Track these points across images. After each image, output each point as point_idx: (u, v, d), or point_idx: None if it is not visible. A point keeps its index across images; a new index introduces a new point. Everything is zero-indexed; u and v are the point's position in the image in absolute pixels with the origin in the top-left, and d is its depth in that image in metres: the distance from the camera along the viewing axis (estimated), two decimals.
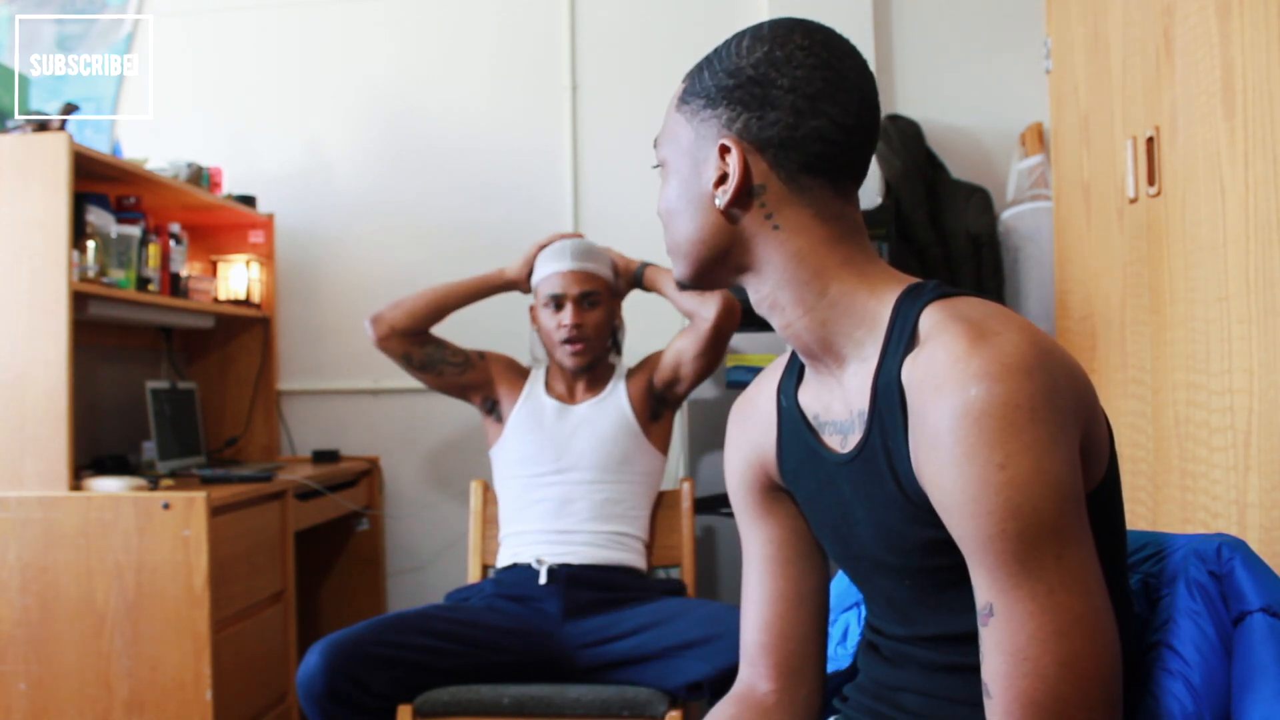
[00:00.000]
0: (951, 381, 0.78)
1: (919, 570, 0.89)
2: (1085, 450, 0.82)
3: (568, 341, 2.16)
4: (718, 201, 0.91)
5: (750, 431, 1.06)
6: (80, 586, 2.11)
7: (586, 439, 2.19)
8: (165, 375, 2.96)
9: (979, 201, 2.75)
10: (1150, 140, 1.57)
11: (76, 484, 2.17)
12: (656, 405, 2.25)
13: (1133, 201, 1.66)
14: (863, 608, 1.14)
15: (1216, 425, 1.35)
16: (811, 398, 0.98)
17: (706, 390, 2.52)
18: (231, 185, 3.01)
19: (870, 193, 2.73)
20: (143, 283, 2.50)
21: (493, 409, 2.30)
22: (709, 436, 2.59)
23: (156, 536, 2.10)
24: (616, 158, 3.01)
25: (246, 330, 3.04)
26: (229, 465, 2.79)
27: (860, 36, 2.79)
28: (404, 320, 2.25)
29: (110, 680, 2.10)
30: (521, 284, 2.31)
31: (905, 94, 2.93)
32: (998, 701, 0.78)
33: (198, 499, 2.09)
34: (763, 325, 2.05)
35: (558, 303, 2.18)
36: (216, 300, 2.89)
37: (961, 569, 0.82)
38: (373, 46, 3.15)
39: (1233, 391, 1.30)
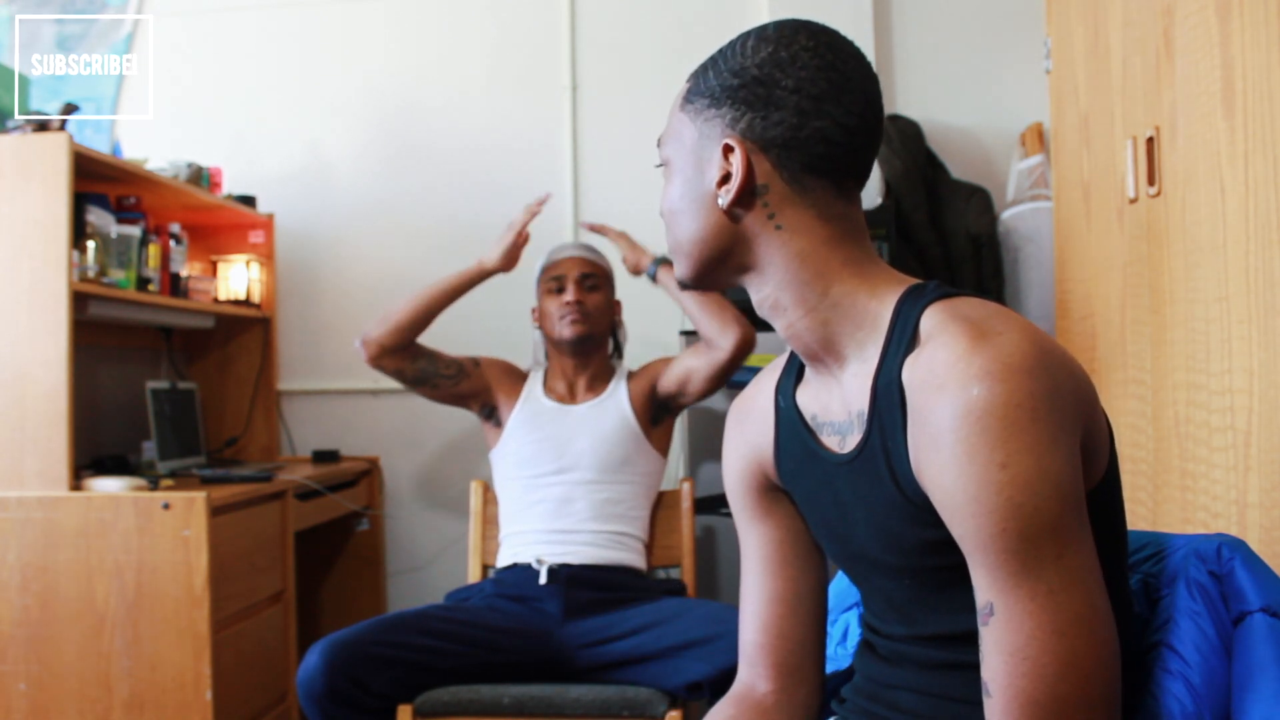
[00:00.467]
0: (953, 381, 0.78)
1: (917, 570, 0.89)
2: (1086, 450, 0.82)
3: (566, 315, 2.19)
4: (720, 201, 0.91)
5: (748, 431, 1.06)
6: (80, 586, 2.11)
7: (587, 439, 2.19)
8: (165, 375, 2.96)
9: (979, 201, 2.75)
10: (1150, 140, 1.57)
11: (76, 484, 2.17)
12: (658, 411, 2.26)
13: (1133, 201, 1.66)
14: (862, 608, 1.14)
15: (1216, 425, 1.35)
16: (810, 398, 0.98)
17: None
18: (231, 185, 3.01)
19: (870, 193, 2.73)
20: (143, 283, 2.50)
21: (491, 414, 2.30)
22: (709, 437, 2.59)
23: (156, 536, 2.10)
24: (616, 158, 3.01)
25: (246, 330, 3.04)
26: (229, 465, 2.79)
27: (860, 36, 2.78)
28: (391, 336, 2.23)
29: (110, 680, 2.10)
30: (500, 268, 2.29)
31: (905, 94, 2.93)
32: (997, 701, 0.78)
33: (198, 499, 2.09)
34: (762, 325, 2.06)
35: (559, 284, 2.23)
36: (216, 300, 2.89)
37: (960, 569, 0.82)
38: (373, 46, 3.15)
39: (1233, 391, 1.30)
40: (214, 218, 2.93)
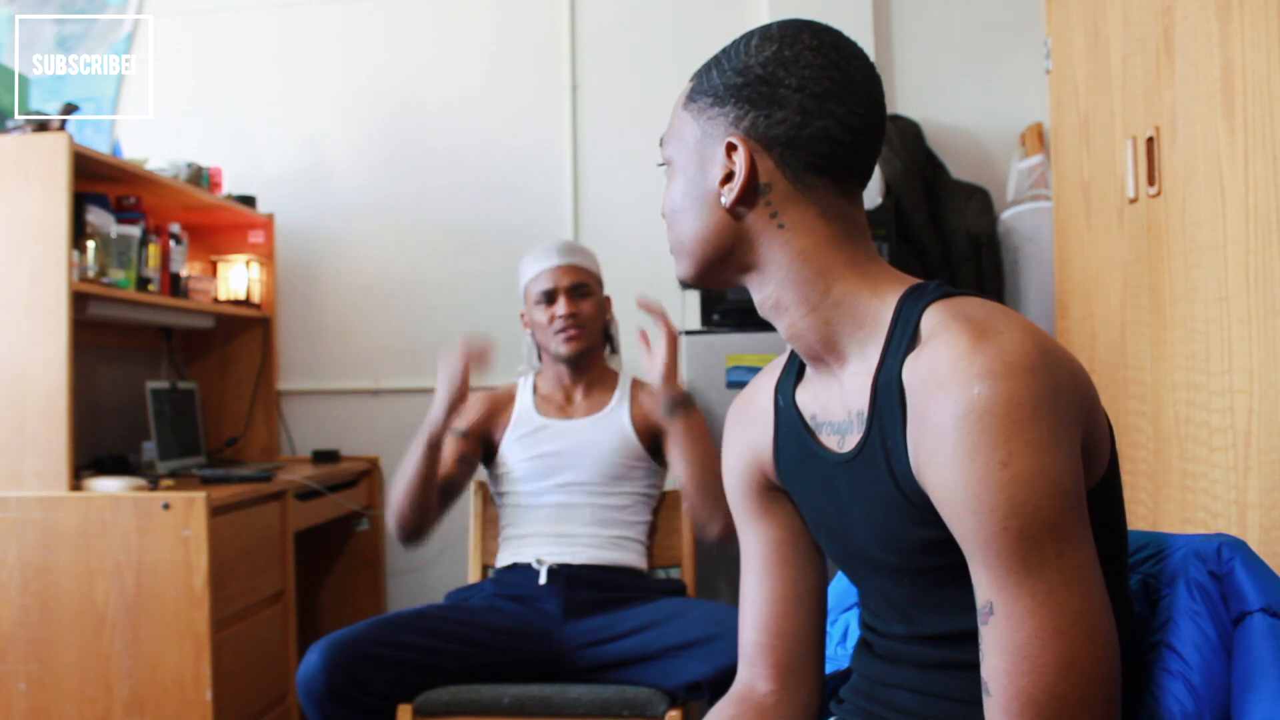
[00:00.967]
0: (954, 380, 0.78)
1: (916, 569, 0.89)
2: (1086, 449, 0.82)
3: (563, 330, 2.13)
4: (723, 199, 0.91)
5: (747, 431, 1.06)
6: (80, 586, 2.11)
7: (586, 456, 2.15)
8: (165, 375, 2.96)
9: (979, 201, 2.75)
10: (1150, 140, 1.57)
11: (76, 484, 2.17)
12: (655, 440, 2.19)
13: (1133, 201, 1.66)
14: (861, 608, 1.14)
15: (1216, 425, 1.35)
16: (809, 398, 0.98)
17: (706, 391, 2.52)
18: (231, 185, 3.01)
19: (870, 193, 2.73)
20: (143, 283, 2.50)
21: (490, 450, 2.22)
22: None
23: (156, 536, 2.10)
24: (616, 158, 3.01)
25: (246, 330, 3.04)
26: (229, 465, 2.79)
27: (860, 36, 2.78)
28: (411, 532, 2.06)
29: (110, 680, 2.10)
30: (449, 425, 2.02)
31: (905, 94, 2.93)
32: (997, 700, 0.78)
33: (198, 499, 2.09)
34: (763, 325, 2.05)
35: (549, 297, 2.15)
36: (216, 300, 2.89)
37: (959, 568, 0.82)
38: (373, 46, 3.15)
39: (1233, 391, 1.30)
40: (214, 218, 2.93)
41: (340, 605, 3.01)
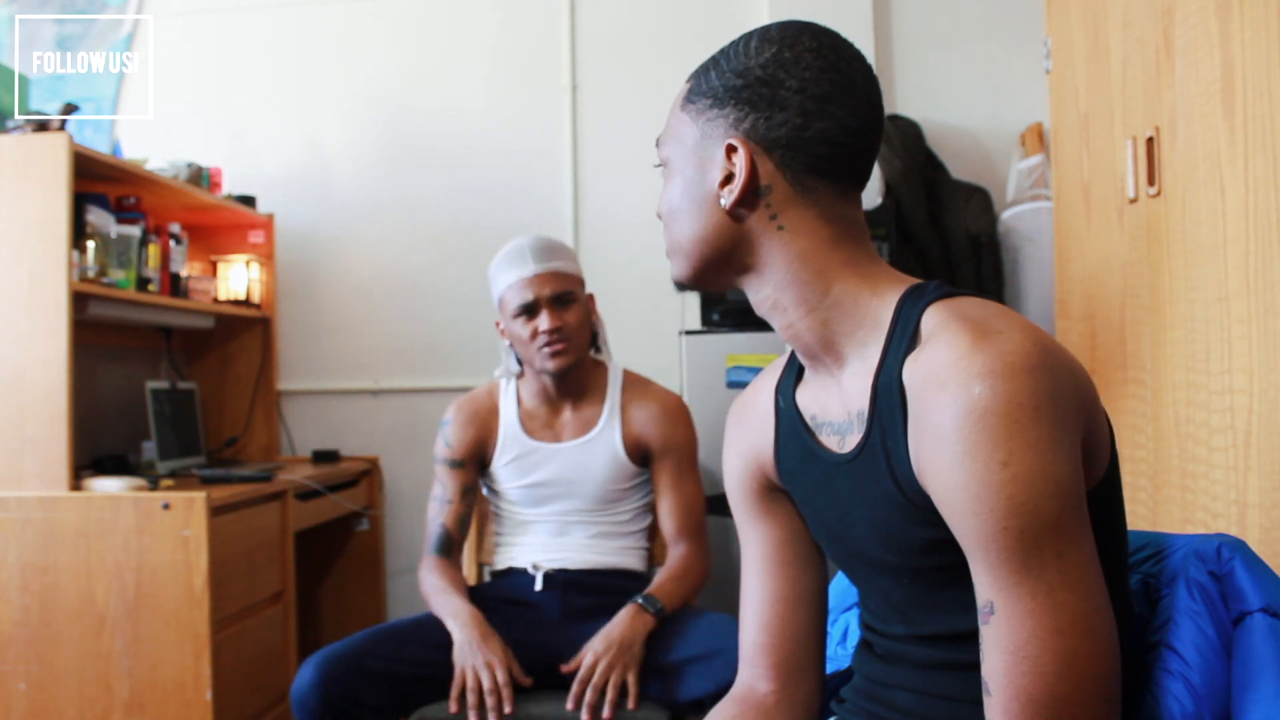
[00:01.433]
0: (955, 380, 0.78)
1: (917, 570, 0.89)
2: (1086, 449, 0.82)
3: (548, 345, 1.97)
4: (723, 201, 0.91)
5: (748, 432, 1.06)
6: (80, 586, 2.11)
7: (578, 485, 2.06)
8: (165, 375, 2.96)
9: (979, 201, 2.75)
10: (1150, 140, 1.57)
11: (76, 484, 2.17)
12: (648, 455, 2.12)
13: (1133, 201, 1.66)
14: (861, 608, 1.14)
15: (1216, 425, 1.35)
16: (809, 398, 0.98)
17: (706, 391, 2.52)
18: (231, 185, 3.01)
19: (870, 193, 2.73)
20: (143, 283, 2.50)
21: (483, 463, 2.14)
22: (709, 438, 2.59)
23: (156, 536, 2.10)
24: (616, 158, 3.01)
25: (246, 330, 3.04)
26: (229, 465, 2.79)
27: (860, 36, 2.79)
28: None
29: (110, 680, 2.10)
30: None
31: (905, 94, 2.93)
32: (997, 699, 0.78)
33: (198, 499, 2.09)
34: (763, 325, 2.04)
35: (529, 310, 1.98)
36: (216, 300, 2.89)
37: (959, 568, 0.82)
38: (373, 46, 3.15)
39: (1233, 391, 1.30)
40: (214, 218, 2.93)
41: (340, 605, 3.01)
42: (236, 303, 2.94)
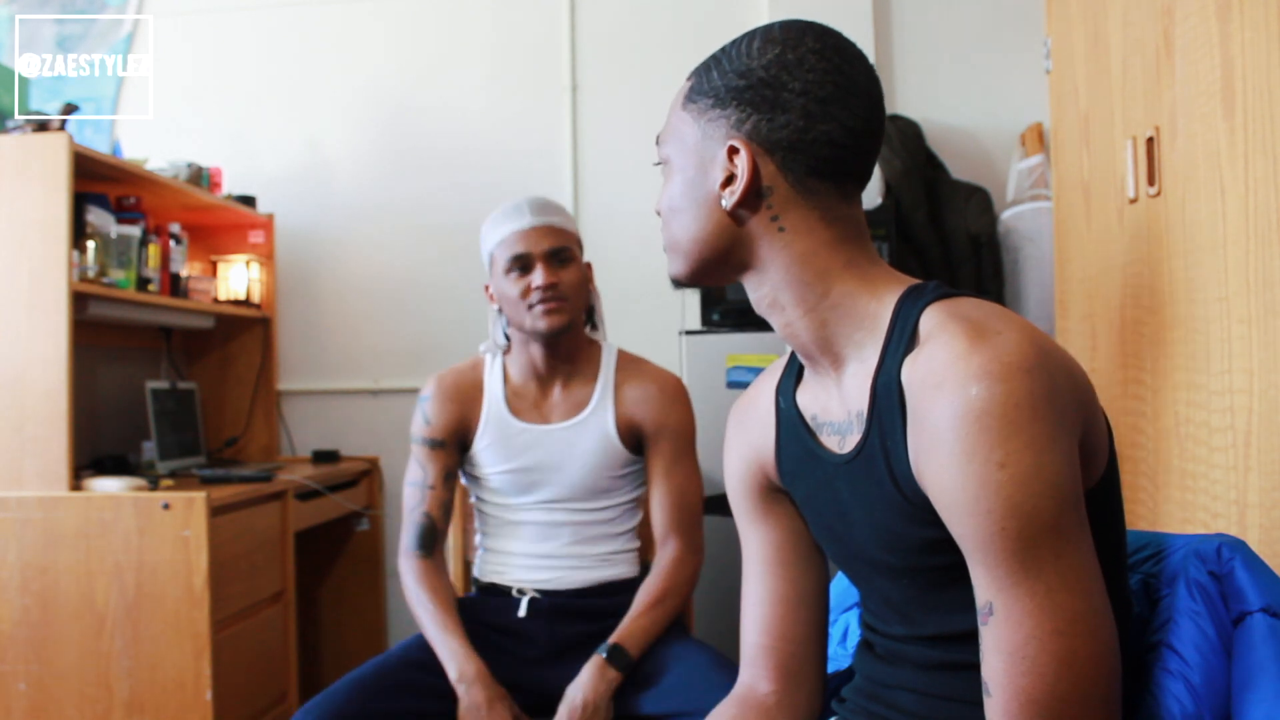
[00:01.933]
0: (952, 380, 0.78)
1: (917, 570, 0.89)
2: (1085, 449, 0.82)
3: (542, 301, 1.79)
4: (724, 202, 0.91)
5: (749, 432, 1.06)
6: (80, 586, 2.11)
7: (567, 470, 1.88)
8: (165, 375, 2.96)
9: (979, 201, 2.75)
10: (1150, 140, 1.57)
11: (76, 484, 2.17)
12: (641, 440, 1.97)
13: (1133, 201, 1.66)
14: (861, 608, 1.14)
15: (1216, 425, 1.35)
16: (810, 399, 0.98)
17: (706, 391, 2.52)
18: (231, 185, 3.01)
19: (870, 193, 2.73)
20: (143, 283, 2.50)
21: (464, 444, 1.97)
22: (709, 438, 2.58)
23: (156, 536, 2.10)
24: (616, 158, 3.01)
25: (246, 330, 3.04)
26: (229, 465, 2.79)
27: (860, 36, 2.78)
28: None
29: (110, 680, 2.10)
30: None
31: (905, 94, 2.93)
32: (996, 700, 0.78)
33: (198, 499, 2.09)
34: (763, 325, 2.04)
35: (524, 264, 1.81)
36: (216, 300, 2.89)
37: (959, 568, 0.82)
38: (373, 46, 3.15)
39: (1233, 391, 1.30)
40: (214, 218, 2.93)
41: (340, 605, 3.02)
42: (236, 303, 2.94)
